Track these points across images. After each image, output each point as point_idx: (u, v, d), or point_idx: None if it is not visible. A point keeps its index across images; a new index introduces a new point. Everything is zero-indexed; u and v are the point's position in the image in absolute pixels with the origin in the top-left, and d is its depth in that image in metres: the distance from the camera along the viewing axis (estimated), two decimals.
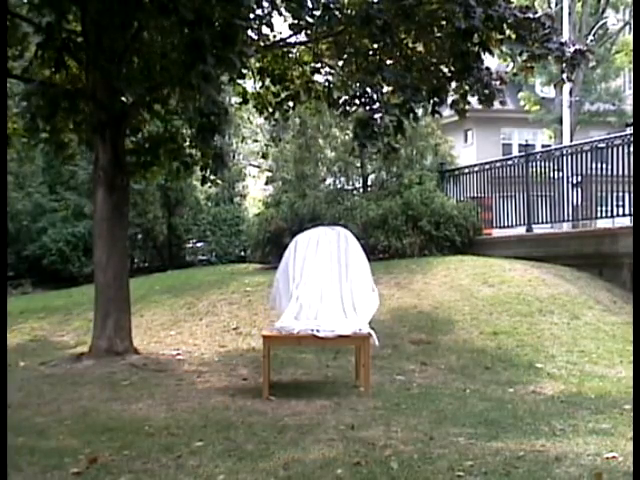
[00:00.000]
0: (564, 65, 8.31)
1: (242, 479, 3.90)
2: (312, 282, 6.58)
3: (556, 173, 12.68)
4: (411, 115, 8.20)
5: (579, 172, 12.11)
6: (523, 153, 14.44)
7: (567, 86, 21.78)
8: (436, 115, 8.82)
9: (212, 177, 9.13)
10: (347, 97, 9.13)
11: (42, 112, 8.17)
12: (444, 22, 7.93)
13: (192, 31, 6.78)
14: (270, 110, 9.82)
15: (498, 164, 13.73)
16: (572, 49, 8.15)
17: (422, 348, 7.84)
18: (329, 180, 14.59)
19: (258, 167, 25.49)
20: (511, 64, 22.06)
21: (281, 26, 8.92)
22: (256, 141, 25.86)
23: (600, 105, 28.60)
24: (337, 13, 7.86)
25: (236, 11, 6.90)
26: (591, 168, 11.79)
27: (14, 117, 9.22)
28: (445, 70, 8.44)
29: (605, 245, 10.43)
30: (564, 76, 8.75)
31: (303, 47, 9.26)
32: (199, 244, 19.25)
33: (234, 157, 21.34)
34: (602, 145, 11.65)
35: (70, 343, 9.19)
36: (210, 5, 6.83)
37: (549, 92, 28.26)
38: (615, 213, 11.67)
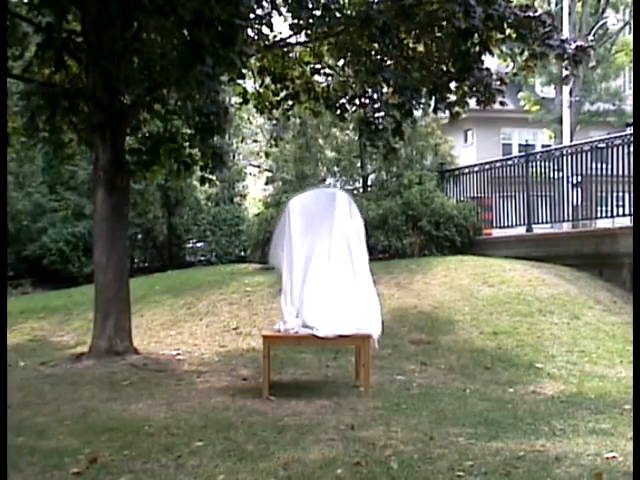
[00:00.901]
0: (566, 62, 8.30)
1: (242, 479, 3.90)
2: (312, 264, 6.30)
3: (556, 173, 12.67)
4: (409, 117, 8.20)
5: (579, 172, 12.11)
6: (523, 153, 14.43)
7: (567, 86, 21.78)
8: (437, 114, 8.83)
9: (211, 177, 9.12)
10: (347, 98, 9.14)
11: (41, 111, 8.17)
12: (444, 22, 7.93)
13: (191, 31, 6.78)
14: (270, 109, 9.83)
15: (498, 164, 13.73)
16: (573, 46, 8.14)
17: (422, 348, 7.84)
18: (329, 180, 14.61)
19: (258, 167, 25.50)
20: (511, 64, 22.05)
21: (281, 26, 8.93)
22: (256, 141, 25.87)
23: (600, 105, 28.59)
24: (337, 14, 7.86)
25: (236, 11, 6.90)
26: (591, 168, 11.79)
27: (13, 116, 9.21)
28: (445, 70, 8.45)
29: (605, 245, 10.42)
30: (567, 73, 8.74)
31: (303, 47, 9.27)
32: (199, 244, 19.25)
33: (234, 157, 21.34)
34: (602, 145, 11.64)
35: (70, 343, 9.19)
36: (209, 5, 6.82)
37: (549, 92, 28.25)
38: (615, 213, 11.67)
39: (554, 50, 8.05)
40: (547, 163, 13.02)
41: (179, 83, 7.45)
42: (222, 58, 6.79)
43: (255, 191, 23.68)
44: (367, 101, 8.93)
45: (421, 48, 8.50)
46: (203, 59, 6.62)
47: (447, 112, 8.74)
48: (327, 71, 9.51)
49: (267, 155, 19.93)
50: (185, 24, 6.84)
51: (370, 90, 8.84)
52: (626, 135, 11.10)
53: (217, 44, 6.70)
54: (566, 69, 8.60)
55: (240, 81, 9.38)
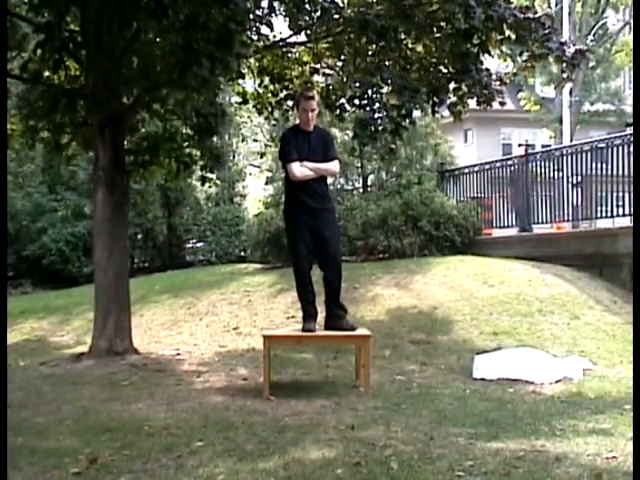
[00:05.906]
0: (564, 65, 8.32)
1: (242, 479, 3.89)
2: None
3: (556, 173, 12.67)
4: (409, 118, 8.19)
5: (579, 172, 12.10)
6: (523, 153, 14.42)
7: (567, 86, 21.80)
8: (436, 115, 8.84)
9: (211, 176, 9.12)
10: (346, 98, 9.13)
11: (41, 112, 8.16)
12: (444, 23, 7.93)
13: (186, 34, 6.77)
14: (269, 109, 9.83)
15: (498, 164, 13.73)
16: (572, 49, 8.16)
17: (422, 348, 7.83)
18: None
19: (258, 167, 25.48)
20: (511, 64, 22.07)
21: (281, 26, 8.94)
22: (256, 141, 25.86)
23: (600, 105, 28.61)
24: (336, 15, 7.86)
25: (232, 14, 6.87)
26: (591, 168, 11.78)
27: (12, 118, 9.20)
28: (444, 71, 8.45)
29: (605, 245, 10.42)
30: (564, 76, 8.76)
31: (302, 47, 9.26)
32: (199, 244, 19.26)
33: (234, 157, 21.33)
34: (602, 145, 11.63)
35: (70, 343, 9.20)
36: (206, 8, 6.80)
37: (549, 92, 28.27)
38: (615, 213, 11.65)
39: (553, 52, 8.06)
40: (547, 163, 13.01)
41: (175, 85, 7.44)
42: (218, 61, 6.77)
43: (255, 191, 23.67)
44: (366, 101, 8.93)
45: (420, 49, 8.50)
46: (199, 62, 6.60)
47: (447, 112, 8.74)
48: (326, 71, 9.51)
49: (262, 155, 19.95)
50: (179, 27, 6.83)
51: (370, 91, 8.84)
52: (626, 135, 11.09)
53: (212, 47, 6.67)
54: (563, 72, 8.61)
55: (240, 81, 9.39)
